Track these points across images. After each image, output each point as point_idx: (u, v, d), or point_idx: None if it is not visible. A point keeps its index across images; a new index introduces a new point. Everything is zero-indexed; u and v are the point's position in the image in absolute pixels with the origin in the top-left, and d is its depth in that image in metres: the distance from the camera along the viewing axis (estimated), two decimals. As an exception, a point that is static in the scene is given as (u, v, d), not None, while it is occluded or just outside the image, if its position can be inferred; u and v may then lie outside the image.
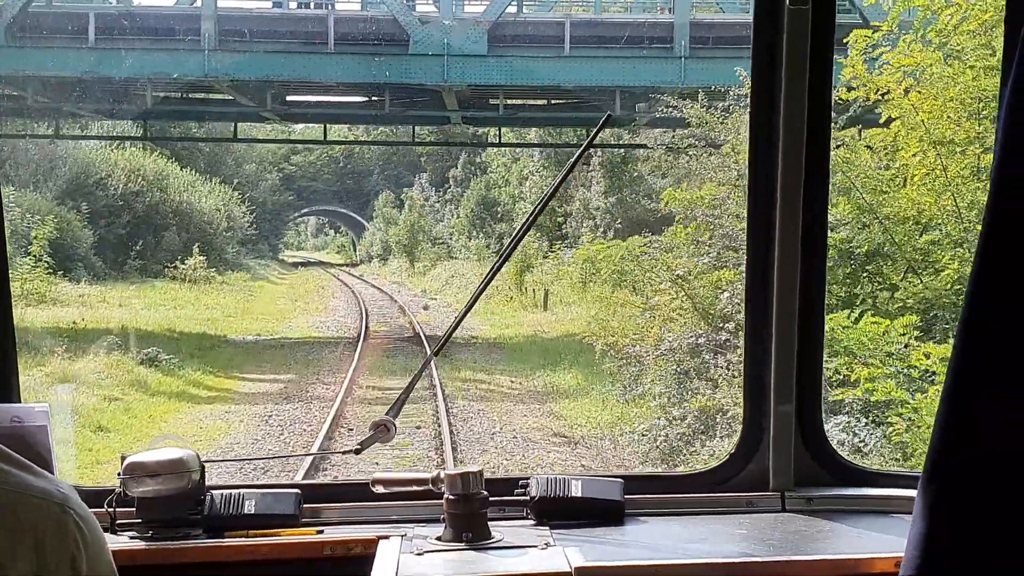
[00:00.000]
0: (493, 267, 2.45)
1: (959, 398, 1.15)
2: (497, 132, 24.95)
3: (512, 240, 2.39)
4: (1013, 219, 1.11)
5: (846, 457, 2.51)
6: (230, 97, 22.06)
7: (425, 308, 27.09)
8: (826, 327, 2.54)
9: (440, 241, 50.60)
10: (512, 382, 15.02)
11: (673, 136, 13.42)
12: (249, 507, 2.08)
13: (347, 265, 61.46)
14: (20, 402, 2.16)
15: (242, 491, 2.11)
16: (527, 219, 2.43)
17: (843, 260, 9.02)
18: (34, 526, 1.05)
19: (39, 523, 1.06)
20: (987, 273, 1.13)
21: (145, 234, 35.48)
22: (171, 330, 19.60)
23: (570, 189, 44.82)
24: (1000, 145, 1.13)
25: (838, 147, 9.02)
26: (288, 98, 21.91)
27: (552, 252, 32.40)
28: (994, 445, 1.12)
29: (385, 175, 63.31)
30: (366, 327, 21.96)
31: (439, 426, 11.33)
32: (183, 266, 30.39)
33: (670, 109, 12.43)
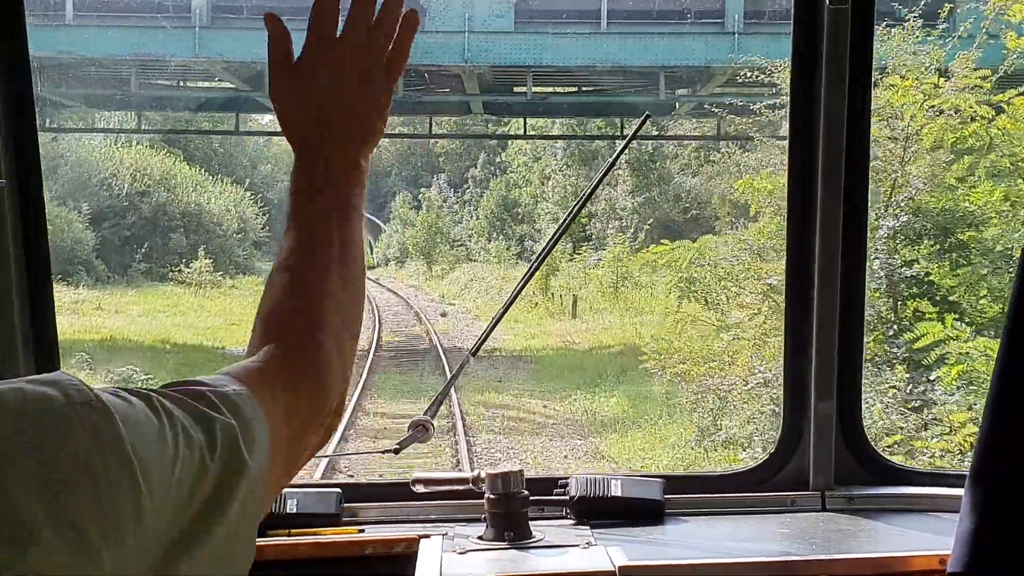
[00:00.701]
0: (526, 273, 2.30)
1: (1005, 399, 1.17)
2: (522, 124, 22.24)
3: (546, 246, 2.35)
4: None
5: (886, 456, 2.40)
6: (230, 85, 19.78)
7: (443, 315, 24.72)
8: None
9: (458, 243, 48.25)
10: (545, 408, 12.64)
11: (754, 106, 10.99)
12: (291, 506, 2.00)
13: (364, 268, 59.24)
14: None
15: (284, 490, 1.96)
16: (562, 224, 2.32)
17: (999, 266, 6.61)
18: (36, 441, 0.73)
19: (41, 433, 0.74)
20: None
21: (151, 236, 33.38)
22: (164, 341, 17.37)
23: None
24: None
25: (997, 115, 6.63)
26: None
27: (577, 255, 30.03)
28: None
29: (403, 176, 61.06)
30: (378, 337, 19.63)
31: (459, 470, 8.97)
32: (188, 270, 28.20)
33: (756, 73, 10.01)
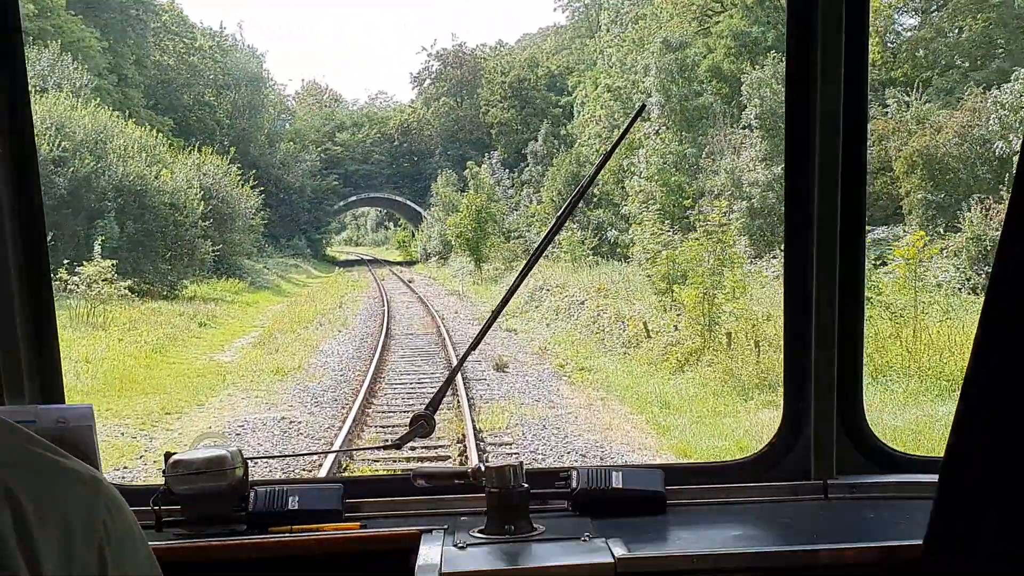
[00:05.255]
0: (524, 267, 1.90)
1: (979, 385, 1.13)
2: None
3: (544, 238, 1.88)
4: None
5: (887, 444, 2.09)
6: None
7: (502, 368, 12.12)
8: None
9: (515, 234, 35.80)
10: None
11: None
12: (292, 503, 1.89)
13: (403, 264, 47.09)
14: (64, 402, 1.97)
15: (285, 487, 1.93)
16: (561, 212, 1.84)
17: None
18: (63, 507, 0.90)
19: (67, 504, 0.91)
20: (1005, 285, 1.10)
21: (66, 222, 21.58)
22: None
23: (701, 160, 29.56)
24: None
25: None
26: None
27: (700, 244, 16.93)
28: (1003, 435, 1.11)
29: (448, 155, 48.66)
30: (341, 467, 7.19)
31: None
32: (73, 278, 16.02)
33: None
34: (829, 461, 1.99)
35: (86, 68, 26.24)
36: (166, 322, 16.11)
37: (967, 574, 1.15)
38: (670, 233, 20.13)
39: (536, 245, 1.88)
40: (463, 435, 8.33)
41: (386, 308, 20.96)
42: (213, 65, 40.88)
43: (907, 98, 26.33)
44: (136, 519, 0.97)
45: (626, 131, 2.13)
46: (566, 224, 21.16)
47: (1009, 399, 1.08)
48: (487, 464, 1.79)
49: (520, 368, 12.34)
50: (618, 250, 30.53)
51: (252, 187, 29.24)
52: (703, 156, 27.87)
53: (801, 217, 1.95)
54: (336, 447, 8.02)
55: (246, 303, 22.20)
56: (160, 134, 27.78)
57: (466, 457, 7.66)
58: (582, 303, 16.02)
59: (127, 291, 16.20)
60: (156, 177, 22.35)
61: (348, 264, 46.31)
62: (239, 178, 28.20)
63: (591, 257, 27.79)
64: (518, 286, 1.91)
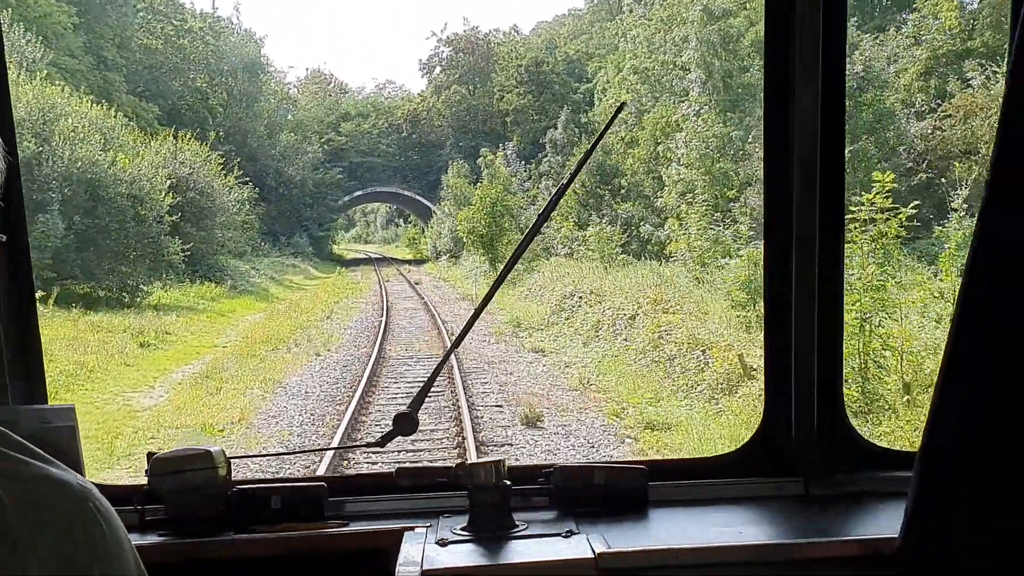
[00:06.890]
0: (515, 251, 1.76)
1: (953, 381, 1.11)
2: None
3: (530, 230, 1.75)
4: (1014, 197, 0.99)
5: (869, 439, 2.05)
6: None
7: (533, 423, 8.17)
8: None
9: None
10: None
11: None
12: (275, 502, 1.82)
13: (412, 263, 43.23)
14: (47, 403, 1.91)
15: (268, 486, 1.86)
16: (546, 208, 1.76)
17: None
18: (55, 519, 0.89)
19: (60, 516, 0.90)
20: (985, 259, 1.07)
21: None
22: None
23: (748, 144, 25.52)
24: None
25: None
26: None
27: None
28: (976, 426, 1.08)
29: (460, 147, 44.75)
30: None
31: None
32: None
33: None
34: (810, 457, 1.94)
35: (41, 42, 22.39)
36: (99, 343, 12.31)
37: (944, 566, 1.13)
38: (727, 227, 16.18)
39: (517, 248, 1.75)
40: None
41: (384, 319, 17.09)
42: (205, 48, 37.00)
43: (994, 68, 22.25)
44: (125, 529, 0.94)
45: (605, 130, 2.03)
46: (591, 219, 16.61)
47: (984, 380, 1.06)
48: (469, 462, 1.74)
49: (558, 418, 8.45)
50: (648, 247, 26.62)
51: (237, 177, 25.36)
52: (750, 140, 23.90)
53: (779, 218, 1.91)
54: None
55: (219, 312, 18.36)
56: (136, 118, 24.03)
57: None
58: (632, 318, 12.07)
59: (49, 302, 12.38)
60: (113, 164, 18.48)
61: (354, 263, 42.54)
62: (221, 167, 24.36)
63: (622, 256, 23.88)
64: (502, 280, 1.77)
